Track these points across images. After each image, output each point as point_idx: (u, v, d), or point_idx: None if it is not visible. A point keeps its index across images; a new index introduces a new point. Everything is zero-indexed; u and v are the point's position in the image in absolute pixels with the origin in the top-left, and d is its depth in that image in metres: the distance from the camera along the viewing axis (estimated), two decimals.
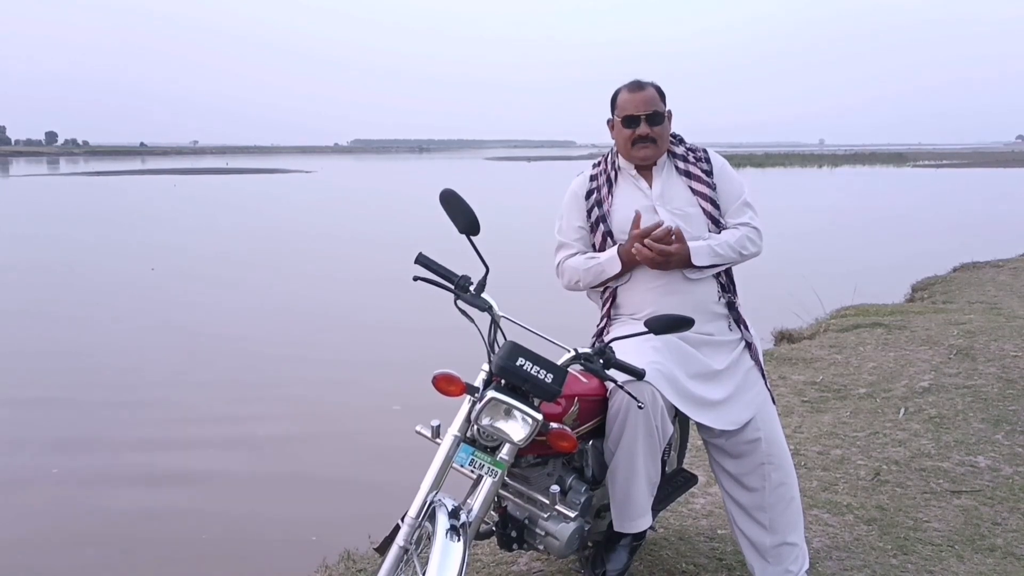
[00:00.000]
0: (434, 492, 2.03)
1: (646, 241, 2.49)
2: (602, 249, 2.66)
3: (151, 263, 13.45)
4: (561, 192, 2.78)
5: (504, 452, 2.07)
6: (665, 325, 2.23)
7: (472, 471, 2.08)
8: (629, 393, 2.26)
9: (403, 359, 7.45)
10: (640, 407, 2.30)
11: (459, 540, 1.93)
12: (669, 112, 2.68)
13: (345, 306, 10.30)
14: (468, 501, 2.12)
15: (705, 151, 2.73)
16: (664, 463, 2.61)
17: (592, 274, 2.65)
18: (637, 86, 2.64)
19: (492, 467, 2.06)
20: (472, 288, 2.18)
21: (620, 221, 2.63)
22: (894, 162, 70.62)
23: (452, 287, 2.19)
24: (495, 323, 2.17)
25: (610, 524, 2.52)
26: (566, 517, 2.20)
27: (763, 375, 2.66)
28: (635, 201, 2.64)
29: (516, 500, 2.24)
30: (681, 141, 2.76)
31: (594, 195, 2.70)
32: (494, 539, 2.43)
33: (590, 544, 2.63)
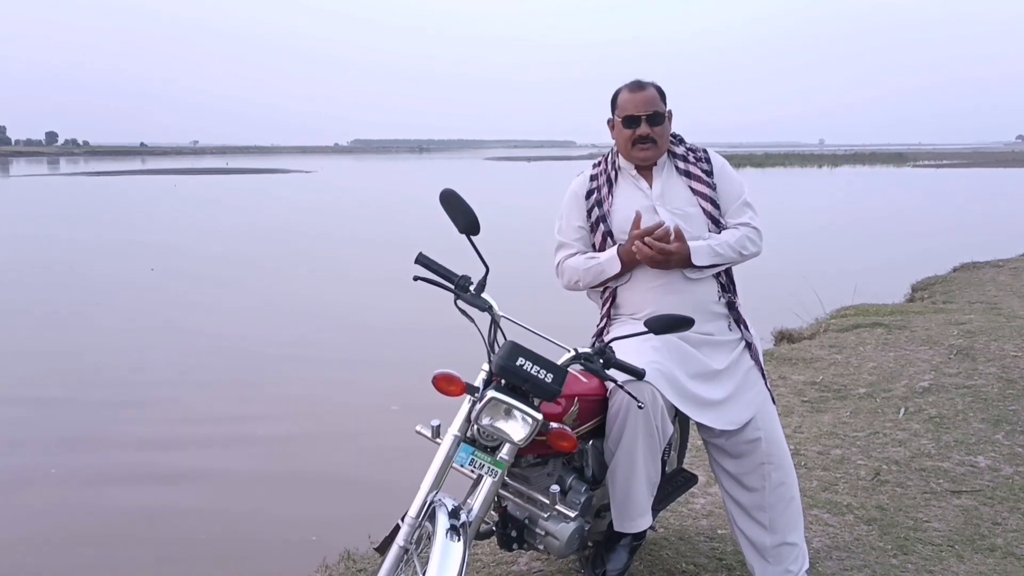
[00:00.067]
0: (434, 492, 2.03)
1: (646, 240, 2.49)
2: (602, 249, 2.66)
3: (151, 263, 13.45)
4: (561, 192, 2.78)
5: (504, 452, 2.07)
6: (665, 325, 2.23)
7: (472, 471, 2.08)
8: (629, 393, 2.26)
9: (403, 359, 7.45)
10: (640, 407, 2.30)
11: (459, 540, 1.93)
12: (669, 112, 2.68)
13: (345, 306, 10.30)
14: (468, 501, 2.12)
15: (705, 151, 2.73)
16: (664, 463, 2.61)
17: (592, 274, 2.65)
18: (638, 86, 2.64)
19: (492, 467, 2.06)
20: (472, 288, 2.18)
21: (620, 221, 2.63)
22: (894, 162, 70.58)
23: (452, 287, 2.19)
24: (495, 323, 2.17)
25: (610, 524, 2.52)
26: (566, 517, 2.20)
27: (763, 375, 2.66)
28: (635, 201, 2.64)
29: (516, 500, 2.24)
30: (681, 141, 2.76)
31: (594, 195, 2.70)
32: (494, 539, 2.43)
33: (590, 544, 2.63)
